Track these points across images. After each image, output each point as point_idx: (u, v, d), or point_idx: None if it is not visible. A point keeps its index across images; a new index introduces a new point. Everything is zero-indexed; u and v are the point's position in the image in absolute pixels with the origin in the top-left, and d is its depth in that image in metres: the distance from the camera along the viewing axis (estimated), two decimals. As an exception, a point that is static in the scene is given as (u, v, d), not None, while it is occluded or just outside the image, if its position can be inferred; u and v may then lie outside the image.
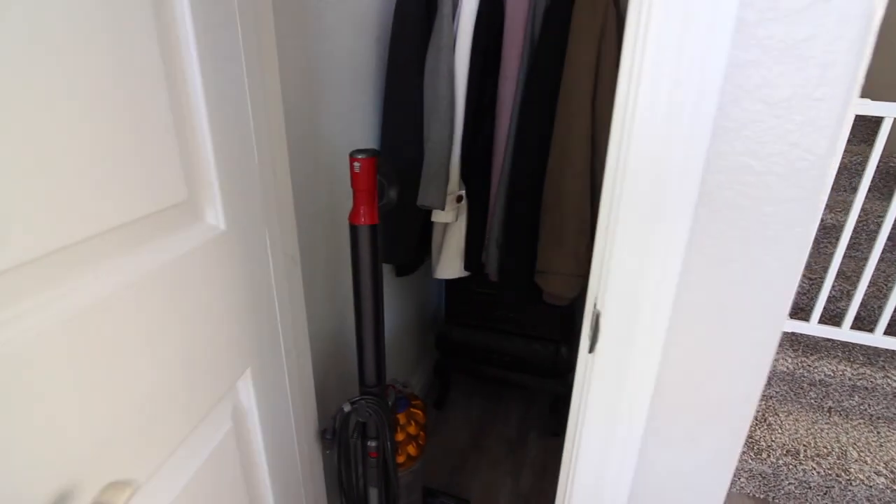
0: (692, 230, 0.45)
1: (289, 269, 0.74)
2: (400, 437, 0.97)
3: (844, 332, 1.28)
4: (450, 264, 1.21)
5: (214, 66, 0.52)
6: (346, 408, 0.84)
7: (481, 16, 1.01)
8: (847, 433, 1.35)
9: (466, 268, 1.21)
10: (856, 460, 1.26)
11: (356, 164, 0.71)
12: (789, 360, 1.43)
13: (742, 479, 1.33)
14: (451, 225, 1.18)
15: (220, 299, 0.56)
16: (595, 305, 0.53)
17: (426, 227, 1.22)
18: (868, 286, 1.40)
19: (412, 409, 1.00)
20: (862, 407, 1.41)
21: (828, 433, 1.35)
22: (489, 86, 1.05)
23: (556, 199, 0.99)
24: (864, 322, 1.43)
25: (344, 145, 1.02)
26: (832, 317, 1.48)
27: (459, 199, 1.12)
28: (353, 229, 0.76)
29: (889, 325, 1.37)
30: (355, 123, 1.06)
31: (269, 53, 0.64)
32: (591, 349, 0.54)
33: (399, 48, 1.07)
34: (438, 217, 1.11)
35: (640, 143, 0.43)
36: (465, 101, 1.05)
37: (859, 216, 1.58)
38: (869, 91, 1.00)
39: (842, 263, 1.58)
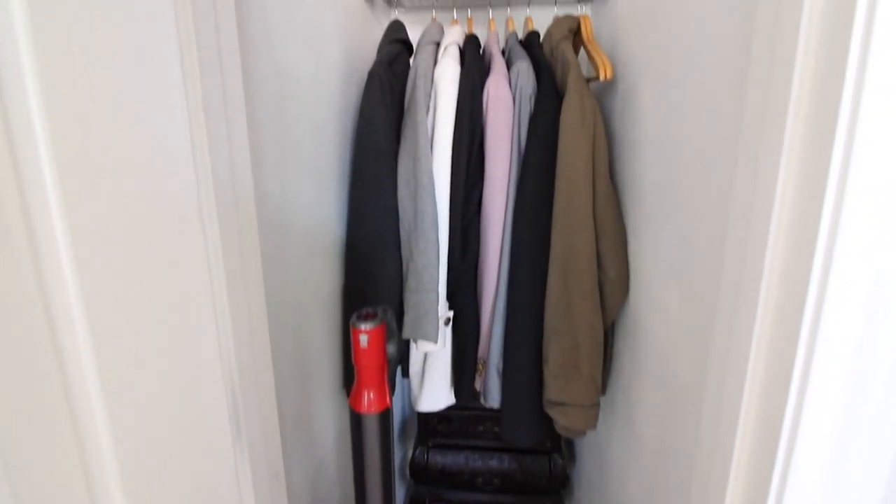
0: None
1: (272, 492, 0.52)
2: None
3: None
4: (436, 393, 1.02)
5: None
6: None
7: (461, 122, 0.91)
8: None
9: (456, 396, 1.04)
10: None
11: (363, 336, 0.53)
12: None
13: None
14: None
15: None
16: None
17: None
18: None
19: None
20: None
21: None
22: (474, 195, 0.94)
23: (564, 321, 0.87)
24: None
25: (309, 271, 0.83)
26: None
27: (447, 321, 0.96)
28: (356, 418, 0.56)
29: None
30: (320, 240, 0.87)
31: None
32: None
33: (366, 157, 0.93)
34: (424, 346, 0.93)
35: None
36: (449, 213, 0.92)
37: None
38: None
39: None
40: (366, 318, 0.53)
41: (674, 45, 0.74)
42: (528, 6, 1.08)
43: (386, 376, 0.56)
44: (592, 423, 0.90)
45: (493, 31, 1.08)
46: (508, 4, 1.23)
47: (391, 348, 0.64)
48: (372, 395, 0.55)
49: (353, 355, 0.55)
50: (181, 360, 0.39)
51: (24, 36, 0.26)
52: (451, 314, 0.96)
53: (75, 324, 0.31)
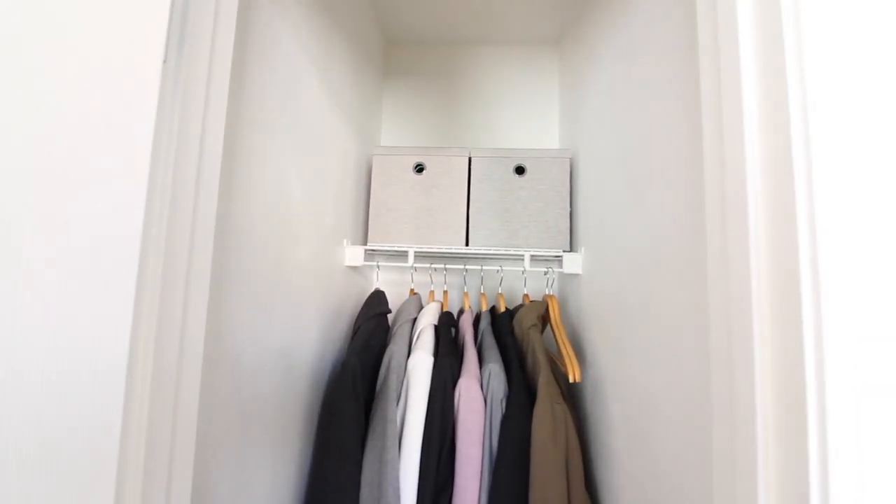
0: None
1: None
2: None
3: None
4: None
5: None
6: None
7: (431, 421, 0.89)
8: None
9: None
10: None
11: None
12: None
13: None
14: None
15: None
16: None
17: None
18: None
19: None
20: None
21: None
22: (443, 501, 0.87)
23: None
24: None
25: None
26: None
27: None
28: None
29: None
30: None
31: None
32: None
33: (330, 455, 0.87)
34: None
35: None
36: (414, 526, 0.84)
37: None
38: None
39: None
40: None
41: (636, 368, 0.77)
42: (500, 268, 1.16)
43: None
44: None
45: (468, 308, 1.14)
46: (482, 262, 1.33)
47: None
48: None
49: None
50: None
51: None
52: None
53: None
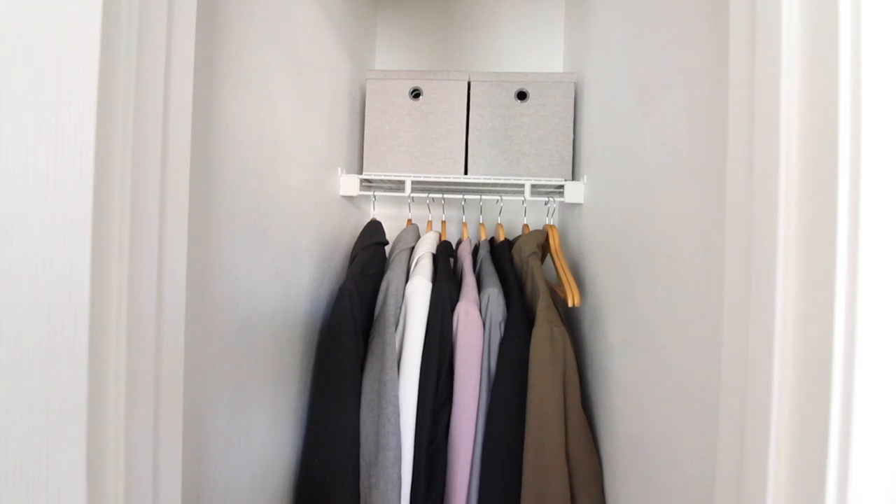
0: None
1: None
2: None
3: None
4: None
5: None
6: None
7: (430, 344, 0.89)
8: None
9: None
10: None
11: None
12: None
13: None
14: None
15: None
16: None
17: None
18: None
19: None
20: None
21: None
22: (442, 419, 0.89)
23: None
24: None
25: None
26: None
27: (407, 567, 0.85)
28: None
29: None
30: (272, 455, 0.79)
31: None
32: None
33: (330, 376, 0.88)
34: None
35: None
36: (413, 441, 0.86)
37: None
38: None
39: None
40: None
41: (639, 292, 0.76)
42: (500, 198, 1.14)
43: None
44: None
45: (467, 238, 1.12)
46: (481, 192, 1.30)
47: None
48: None
49: None
50: None
51: None
52: (411, 558, 0.85)
53: None
